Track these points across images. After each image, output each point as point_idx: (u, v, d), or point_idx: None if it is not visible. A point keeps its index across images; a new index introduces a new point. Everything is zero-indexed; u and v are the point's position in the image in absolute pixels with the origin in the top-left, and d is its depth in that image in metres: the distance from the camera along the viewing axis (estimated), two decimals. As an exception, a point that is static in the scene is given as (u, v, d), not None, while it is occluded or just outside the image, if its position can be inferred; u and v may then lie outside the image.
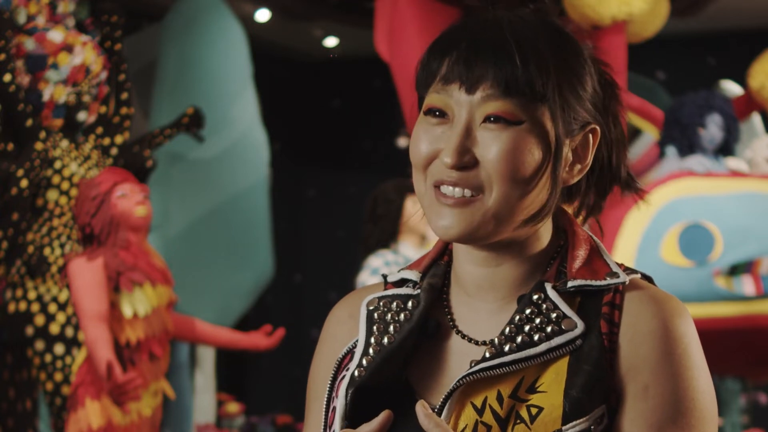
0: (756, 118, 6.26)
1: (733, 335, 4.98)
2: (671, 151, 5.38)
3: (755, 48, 5.72)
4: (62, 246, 4.86)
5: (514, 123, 1.22)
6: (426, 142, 1.26)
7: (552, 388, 1.21)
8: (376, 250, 4.58)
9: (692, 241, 4.91)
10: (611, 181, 1.34)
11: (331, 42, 9.20)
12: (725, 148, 5.36)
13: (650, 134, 5.90)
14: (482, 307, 1.29)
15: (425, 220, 1.29)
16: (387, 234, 4.60)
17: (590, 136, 1.28)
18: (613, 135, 1.32)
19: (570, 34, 1.29)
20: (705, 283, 4.88)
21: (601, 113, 1.30)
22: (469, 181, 1.23)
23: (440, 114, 1.25)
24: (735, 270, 4.89)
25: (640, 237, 4.96)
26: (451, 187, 1.23)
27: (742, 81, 5.72)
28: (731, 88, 6.35)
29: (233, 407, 7.56)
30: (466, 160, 1.23)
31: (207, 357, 7.28)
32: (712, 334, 4.85)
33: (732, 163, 5.33)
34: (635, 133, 5.95)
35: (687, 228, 4.94)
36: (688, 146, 5.31)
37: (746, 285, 4.87)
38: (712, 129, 5.29)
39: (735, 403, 6.41)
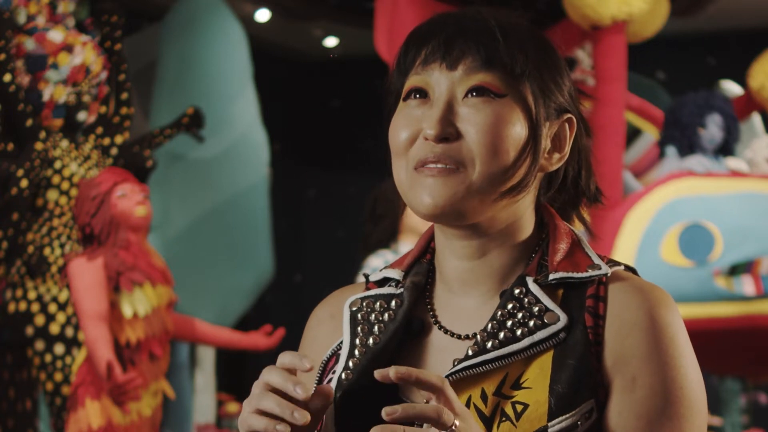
0: (756, 118, 6.26)
1: (733, 335, 4.98)
2: (671, 151, 5.37)
3: (755, 48, 5.72)
4: (62, 246, 4.86)
5: (496, 95, 1.22)
6: (406, 124, 1.25)
7: (537, 383, 1.20)
8: (376, 250, 4.57)
9: (692, 241, 4.91)
10: (581, 195, 1.34)
11: (331, 42, 9.20)
12: (725, 148, 5.35)
13: (650, 134, 5.90)
14: (465, 302, 1.28)
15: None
16: (387, 234, 4.59)
17: (567, 126, 1.28)
18: (584, 143, 1.32)
19: (547, 37, 1.30)
20: (705, 283, 4.88)
21: (577, 112, 1.30)
22: (452, 156, 1.22)
23: (421, 95, 1.25)
24: (735, 270, 4.89)
25: (640, 237, 4.96)
26: (433, 164, 1.22)
27: (742, 81, 5.72)
28: (731, 88, 6.34)
29: (233, 407, 7.56)
30: (449, 131, 1.22)
31: (207, 357, 7.28)
32: (712, 334, 4.86)
33: (732, 163, 5.33)
34: (635, 133, 5.94)
35: (687, 228, 4.94)
36: (688, 146, 5.31)
37: (746, 285, 4.87)
38: (712, 129, 5.29)
39: (735, 403, 6.41)
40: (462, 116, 1.23)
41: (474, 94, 1.23)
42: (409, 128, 1.24)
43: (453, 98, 1.23)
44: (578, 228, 1.35)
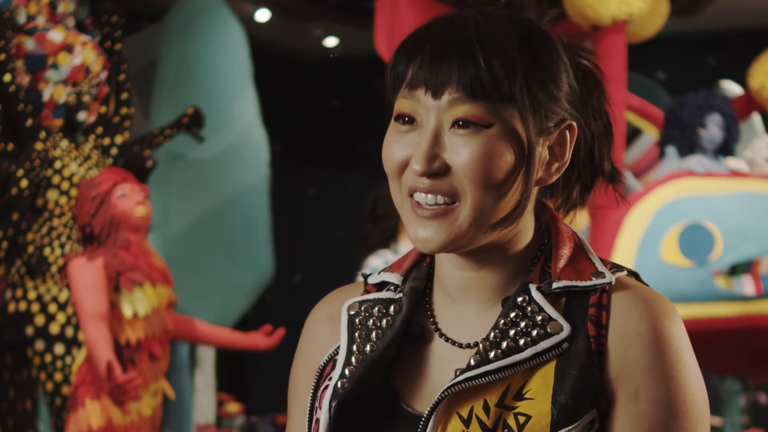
0: (756, 118, 6.26)
1: (733, 335, 4.98)
2: (671, 151, 5.37)
3: (755, 48, 5.72)
4: (62, 246, 4.86)
5: (483, 126, 1.19)
6: (396, 149, 1.23)
7: (539, 394, 1.18)
8: (376, 250, 4.57)
9: (692, 241, 4.91)
10: (594, 175, 1.31)
11: (331, 42, 9.20)
12: (725, 148, 5.35)
13: (650, 134, 5.89)
14: (466, 310, 1.27)
15: None
16: (387, 234, 4.60)
17: (567, 132, 1.25)
18: (594, 128, 1.29)
19: (542, 30, 1.25)
20: (705, 283, 4.87)
21: (579, 109, 1.26)
22: (443, 188, 1.20)
23: (409, 120, 1.22)
24: (735, 270, 4.88)
25: (640, 237, 4.96)
26: (424, 195, 1.21)
27: (742, 81, 5.72)
28: (731, 88, 6.34)
29: (233, 407, 7.56)
30: (435, 167, 1.20)
31: (207, 357, 7.28)
32: (712, 334, 4.86)
33: (732, 163, 5.33)
34: (635, 133, 5.94)
35: (687, 228, 4.94)
36: (688, 146, 5.31)
37: (746, 285, 4.87)
38: (712, 129, 5.29)
39: (735, 403, 6.42)
40: (449, 147, 1.20)
41: (460, 124, 1.20)
42: (399, 153, 1.23)
43: (440, 128, 1.21)
44: (581, 224, 1.34)
